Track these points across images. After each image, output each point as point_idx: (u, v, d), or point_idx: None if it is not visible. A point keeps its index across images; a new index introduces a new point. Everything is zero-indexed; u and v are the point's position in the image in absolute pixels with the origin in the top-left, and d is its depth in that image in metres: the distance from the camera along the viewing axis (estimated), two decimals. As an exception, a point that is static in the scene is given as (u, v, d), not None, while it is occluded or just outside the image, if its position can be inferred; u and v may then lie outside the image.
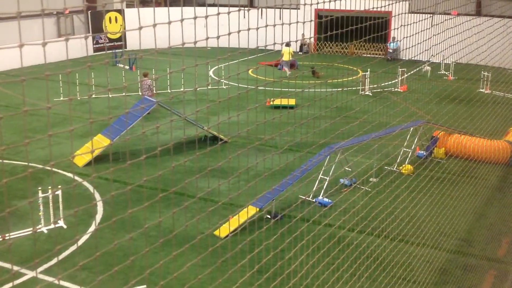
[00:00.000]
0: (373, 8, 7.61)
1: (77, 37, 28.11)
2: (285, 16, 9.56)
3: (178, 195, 11.91)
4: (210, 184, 12.42)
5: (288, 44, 24.73)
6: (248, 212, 10.79)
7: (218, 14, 3.90)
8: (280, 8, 14.51)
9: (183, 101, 20.40)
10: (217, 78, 24.54)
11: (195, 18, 3.65)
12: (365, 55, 31.23)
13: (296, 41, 31.12)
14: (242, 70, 26.45)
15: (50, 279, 8.87)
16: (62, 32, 30.21)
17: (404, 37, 7.35)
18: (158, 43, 3.81)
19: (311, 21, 5.66)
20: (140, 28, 3.29)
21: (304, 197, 12.07)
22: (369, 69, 22.00)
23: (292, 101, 19.62)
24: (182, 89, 22.46)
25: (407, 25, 7.73)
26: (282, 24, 4.93)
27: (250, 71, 26.48)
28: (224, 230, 10.44)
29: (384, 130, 14.00)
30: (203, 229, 10.58)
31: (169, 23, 3.60)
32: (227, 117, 16.95)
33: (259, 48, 4.51)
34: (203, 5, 33.28)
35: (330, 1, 5.43)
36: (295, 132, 15.37)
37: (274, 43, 5.13)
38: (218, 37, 3.89)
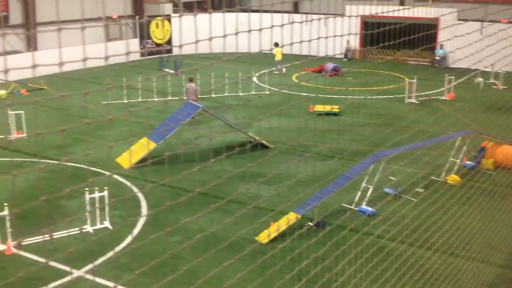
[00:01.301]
0: (419, 11, 7.51)
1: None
2: (330, 22, 9.49)
3: (221, 199, 11.98)
4: (253, 189, 12.45)
5: (277, 44, 25.12)
6: (290, 218, 10.75)
7: (271, 28, 3.91)
8: (325, 14, 14.45)
9: (227, 106, 20.52)
10: (259, 83, 24.61)
11: (236, 33, 3.67)
12: (411, 62, 30.76)
13: (344, 53, 30.93)
14: (285, 77, 26.46)
15: (95, 278, 9.06)
16: (111, 37, 30.90)
17: (455, 49, 7.20)
18: (204, 48, 3.86)
19: (356, 34, 5.61)
20: (188, 43, 3.33)
21: (347, 205, 11.95)
22: (415, 77, 21.64)
23: (336, 108, 19.49)
24: (225, 94, 22.62)
25: (457, 36, 7.57)
26: (327, 38, 4.90)
27: (294, 77, 26.46)
28: (265, 236, 10.44)
29: (431, 139, 13.73)
30: (244, 234, 10.60)
31: (210, 39, 3.64)
32: (270, 122, 17.00)
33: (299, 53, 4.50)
34: (247, 10, 33.45)
35: (378, 13, 5.36)
36: (339, 139, 15.26)
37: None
38: (262, 51, 3.90)
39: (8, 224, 10.01)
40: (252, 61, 28.31)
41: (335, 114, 19.35)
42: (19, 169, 14.25)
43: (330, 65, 27.23)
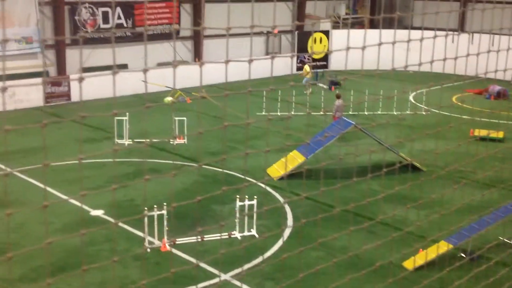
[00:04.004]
0: None
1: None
2: (501, 43, 8.88)
3: (367, 219, 11.74)
4: (400, 212, 12.02)
5: (304, 62, 25.55)
6: (440, 247, 10.20)
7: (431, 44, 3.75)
8: (494, 34, 13.51)
9: (380, 125, 20.09)
10: (416, 102, 23.77)
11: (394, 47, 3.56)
12: None
13: None
14: (444, 97, 25.25)
15: (239, 284, 9.37)
16: (269, 51, 31.97)
17: None
18: (356, 64, 3.82)
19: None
20: (348, 72, 3.31)
21: (507, 240, 11.03)
22: None
23: (500, 134, 18.13)
24: (379, 112, 22.19)
25: None
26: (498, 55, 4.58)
27: (454, 99, 25.15)
28: (412, 262, 10.01)
29: None
30: (389, 257, 10.25)
31: (363, 63, 3.57)
32: (424, 144, 16.32)
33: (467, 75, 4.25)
34: (408, 28, 32.56)
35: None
36: (501, 167, 14.15)
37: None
38: (427, 62, 3.75)
39: (165, 222, 10.75)
40: (409, 79, 27.48)
41: (499, 140, 18.02)
42: (178, 172, 15.24)
43: (495, 87, 25.44)
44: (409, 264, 10.02)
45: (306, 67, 26.39)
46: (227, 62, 3.21)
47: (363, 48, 3.81)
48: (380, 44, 4.06)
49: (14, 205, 12.57)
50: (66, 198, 12.13)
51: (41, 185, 13.65)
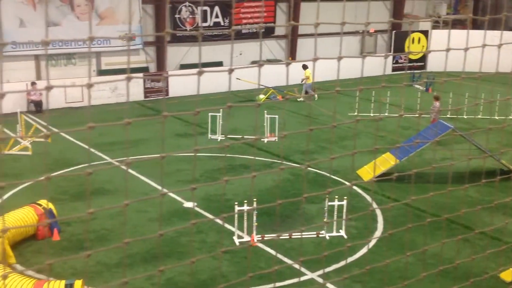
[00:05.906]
0: None
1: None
2: None
3: (463, 227, 11.27)
4: (498, 221, 11.43)
5: (305, 66, 24.09)
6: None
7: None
8: None
9: (480, 129, 19.19)
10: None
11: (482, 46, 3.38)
12: None
13: None
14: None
15: (327, 284, 9.32)
16: (365, 50, 31.45)
17: None
18: (457, 66, 3.68)
19: None
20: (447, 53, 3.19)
21: None
22: None
23: None
24: (478, 116, 21.20)
25: None
26: None
27: None
28: (510, 274, 9.49)
29: None
30: (487, 268, 9.78)
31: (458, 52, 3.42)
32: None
33: None
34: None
35: None
36: None
37: None
38: None
39: (254, 218, 10.92)
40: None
41: None
42: (267, 169, 15.40)
43: None
44: (507, 276, 9.50)
45: (307, 72, 25.12)
46: (315, 60, 3.21)
47: (448, 48, 3.67)
48: (483, 45, 3.89)
49: (114, 194, 13.28)
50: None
51: (140, 176, 14.32)
